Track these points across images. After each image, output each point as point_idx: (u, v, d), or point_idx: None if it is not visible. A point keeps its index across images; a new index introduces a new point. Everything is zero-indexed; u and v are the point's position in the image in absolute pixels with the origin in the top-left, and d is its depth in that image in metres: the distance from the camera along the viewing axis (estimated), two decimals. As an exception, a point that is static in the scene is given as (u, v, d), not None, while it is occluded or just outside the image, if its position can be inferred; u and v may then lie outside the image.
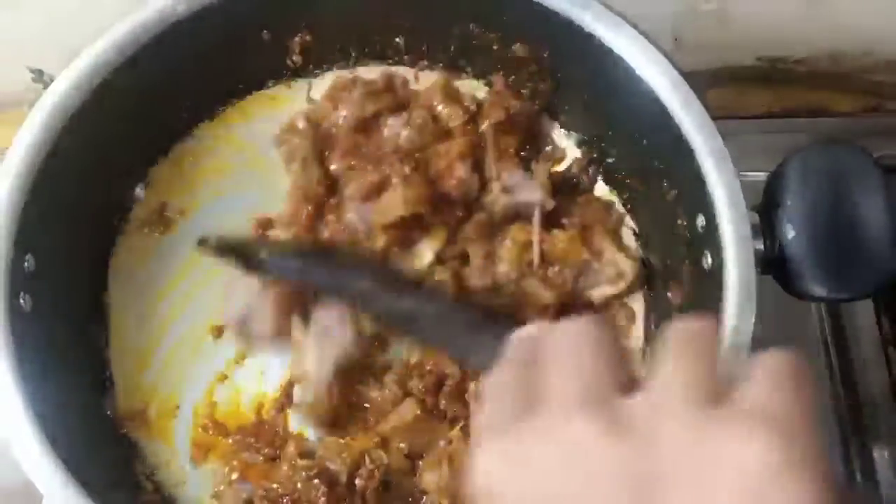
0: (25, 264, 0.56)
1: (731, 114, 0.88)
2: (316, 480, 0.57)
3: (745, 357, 0.31)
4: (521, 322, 0.56)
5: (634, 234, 0.69)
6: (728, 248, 0.54)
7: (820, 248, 0.56)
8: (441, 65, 0.71)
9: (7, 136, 0.57)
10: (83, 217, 0.64)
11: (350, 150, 0.67)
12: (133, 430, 0.64)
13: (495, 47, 0.68)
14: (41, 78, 0.78)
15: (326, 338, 0.61)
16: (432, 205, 0.62)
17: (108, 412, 0.64)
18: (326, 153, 0.67)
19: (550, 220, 0.66)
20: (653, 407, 0.30)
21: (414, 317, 0.56)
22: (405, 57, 0.71)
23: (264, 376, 0.65)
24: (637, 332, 0.67)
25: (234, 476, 0.61)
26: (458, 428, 0.61)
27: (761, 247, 0.56)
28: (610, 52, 0.59)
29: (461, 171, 0.64)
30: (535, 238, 0.64)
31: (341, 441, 0.60)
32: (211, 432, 0.64)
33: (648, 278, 0.68)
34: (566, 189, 0.68)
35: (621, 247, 0.67)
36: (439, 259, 0.64)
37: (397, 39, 0.70)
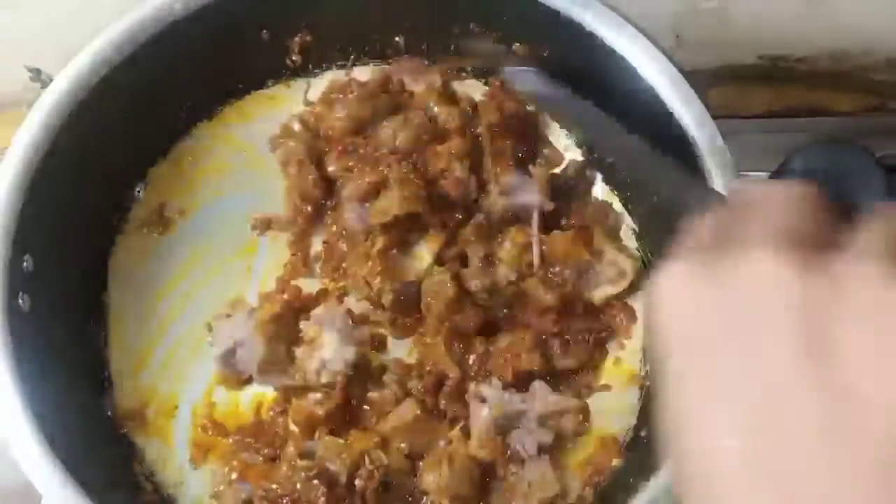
0: (24, 264, 0.56)
1: (732, 113, 0.88)
2: (315, 481, 0.57)
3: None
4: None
5: (634, 233, 0.69)
6: (728, 248, 0.54)
7: (821, 248, 0.55)
8: (441, 64, 0.71)
9: (6, 135, 0.57)
10: (82, 217, 0.64)
11: (347, 152, 0.67)
12: (132, 430, 0.64)
13: (495, 47, 0.68)
14: (39, 77, 0.78)
15: (342, 334, 0.62)
16: (430, 206, 0.62)
17: (108, 412, 0.64)
18: (323, 155, 0.67)
19: (550, 222, 0.66)
20: (846, 261, 0.30)
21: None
22: (405, 56, 0.71)
23: (264, 376, 0.65)
24: (638, 331, 0.67)
25: (234, 476, 0.61)
26: (457, 428, 0.61)
27: (762, 247, 0.56)
28: (611, 51, 0.59)
29: (459, 170, 0.64)
30: (535, 240, 0.64)
31: (341, 441, 0.60)
32: (210, 432, 0.64)
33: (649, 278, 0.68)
34: (565, 190, 0.68)
35: (621, 247, 0.67)
36: (439, 261, 0.64)
37: (397, 39, 0.70)
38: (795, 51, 0.84)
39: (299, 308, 0.64)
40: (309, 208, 0.66)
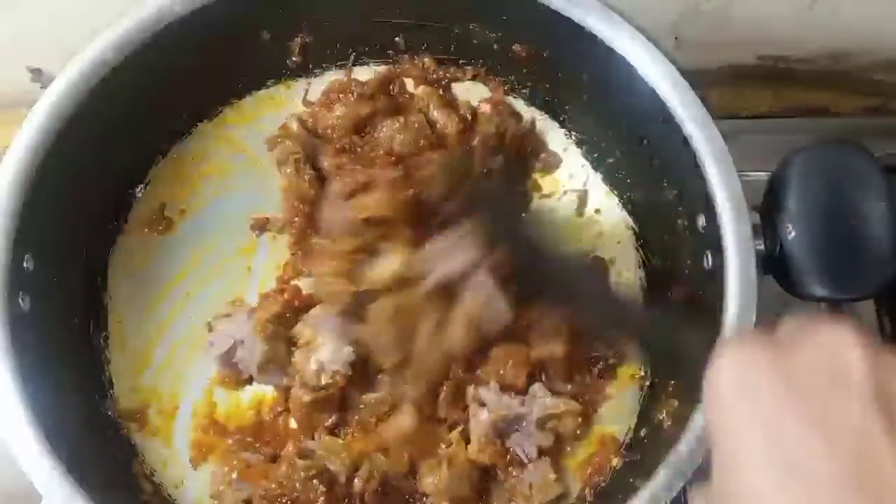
0: (25, 264, 0.56)
1: (732, 114, 0.88)
2: (315, 481, 0.57)
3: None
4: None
5: (634, 233, 0.69)
6: (729, 248, 0.54)
7: (821, 248, 0.56)
8: (441, 64, 0.71)
9: (6, 135, 0.57)
10: (82, 217, 0.64)
11: (343, 150, 0.67)
12: (133, 430, 0.64)
13: (496, 47, 0.68)
14: (40, 77, 0.78)
15: (337, 334, 0.61)
16: (411, 214, 0.62)
17: (108, 412, 0.64)
18: (319, 155, 0.67)
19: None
20: None
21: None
22: (405, 56, 0.71)
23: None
24: (637, 332, 0.67)
25: (234, 476, 0.61)
26: (457, 431, 0.61)
27: (762, 247, 0.56)
28: (611, 51, 0.59)
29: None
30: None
31: (340, 441, 0.60)
32: (210, 433, 0.64)
33: (648, 278, 0.68)
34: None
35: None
36: (406, 278, 0.64)
37: (397, 39, 0.70)
38: (795, 51, 0.84)
39: (299, 308, 0.64)
40: (306, 208, 0.66)
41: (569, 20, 0.60)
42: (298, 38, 0.69)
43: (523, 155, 0.70)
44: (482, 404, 0.61)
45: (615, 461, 0.62)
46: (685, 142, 0.56)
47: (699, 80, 0.57)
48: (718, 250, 0.55)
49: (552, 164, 0.71)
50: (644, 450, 0.60)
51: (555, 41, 0.64)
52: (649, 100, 0.58)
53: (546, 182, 0.71)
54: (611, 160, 0.69)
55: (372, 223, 0.61)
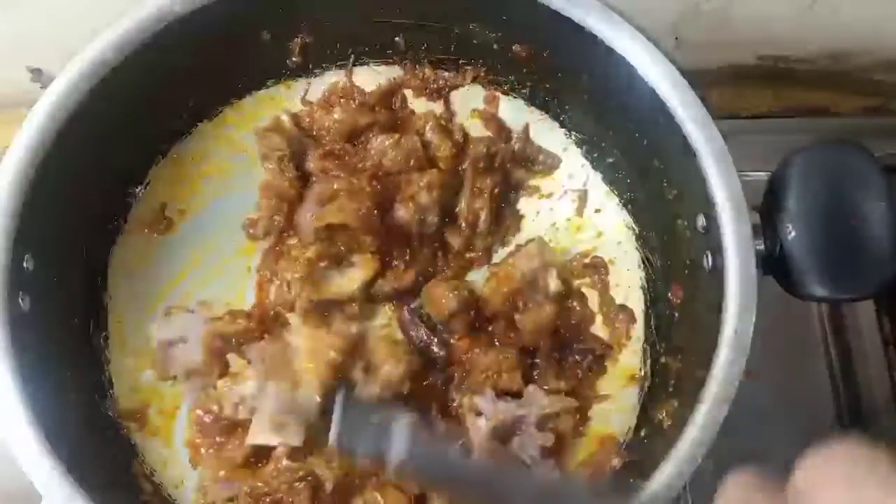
0: (25, 264, 0.56)
1: (732, 113, 0.88)
2: (300, 484, 0.57)
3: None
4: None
5: (634, 233, 0.69)
6: (728, 249, 0.54)
7: (821, 248, 0.56)
8: (441, 66, 0.71)
9: (6, 135, 0.57)
10: (82, 217, 0.64)
11: (331, 154, 0.67)
12: (133, 430, 0.64)
13: (496, 47, 0.68)
14: (40, 77, 0.78)
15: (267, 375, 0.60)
16: (380, 230, 0.62)
17: (108, 412, 0.64)
18: (306, 155, 0.67)
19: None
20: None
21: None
22: (405, 56, 0.71)
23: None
24: (637, 332, 0.67)
25: (221, 473, 0.61)
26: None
27: (762, 247, 0.56)
28: (611, 51, 0.59)
29: (423, 198, 0.64)
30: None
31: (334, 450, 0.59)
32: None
33: (648, 278, 0.68)
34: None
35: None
36: (369, 288, 0.64)
37: (397, 39, 0.70)
38: (795, 51, 0.84)
39: (253, 336, 0.64)
40: (284, 207, 0.66)
41: (569, 20, 0.60)
42: (298, 39, 0.69)
43: (513, 171, 0.71)
44: (478, 413, 0.60)
45: (615, 461, 0.62)
46: (685, 142, 0.56)
47: (699, 80, 0.57)
48: (718, 250, 0.55)
49: (552, 165, 0.71)
50: (644, 450, 0.60)
51: (555, 41, 0.64)
52: (649, 100, 0.58)
53: (546, 182, 0.71)
54: (611, 160, 0.69)
55: (334, 231, 0.61)
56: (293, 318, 0.64)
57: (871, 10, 0.78)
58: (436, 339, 0.64)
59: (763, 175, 0.59)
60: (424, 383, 0.63)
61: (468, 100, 0.72)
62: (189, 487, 0.62)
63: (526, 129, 0.71)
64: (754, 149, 0.67)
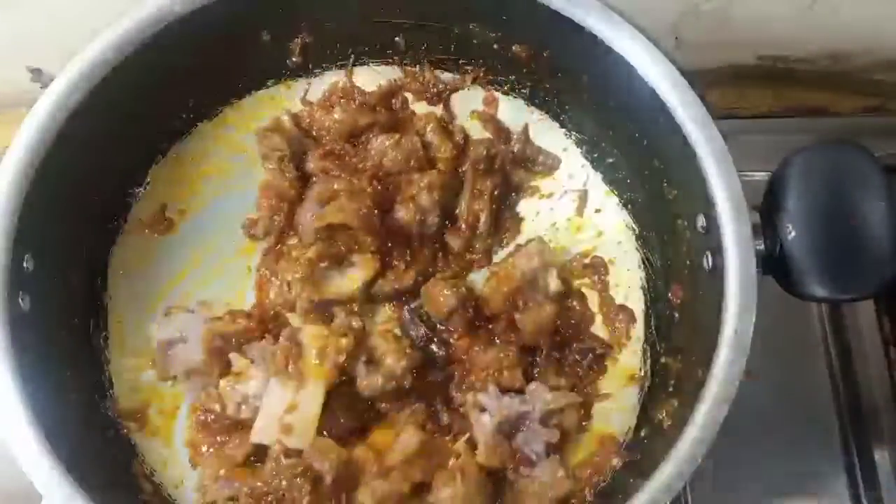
0: (25, 264, 0.56)
1: (732, 114, 0.88)
2: (299, 479, 0.57)
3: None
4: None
5: (634, 233, 0.69)
6: (728, 249, 0.54)
7: (821, 248, 0.56)
8: (441, 67, 0.72)
9: (6, 135, 0.57)
10: (83, 217, 0.64)
11: (331, 154, 0.67)
12: (133, 430, 0.64)
13: (496, 47, 0.68)
14: (40, 77, 0.78)
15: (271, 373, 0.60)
16: (381, 231, 0.62)
17: (108, 412, 0.64)
18: (306, 155, 0.67)
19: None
20: None
21: None
22: (405, 56, 0.71)
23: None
24: (637, 332, 0.67)
25: (221, 472, 0.61)
26: (463, 440, 0.60)
27: (762, 247, 0.56)
28: (611, 51, 0.59)
29: (424, 199, 0.64)
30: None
31: (329, 441, 0.59)
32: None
33: (648, 278, 0.68)
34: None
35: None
36: (369, 288, 0.64)
37: (397, 39, 0.70)
38: (795, 51, 0.84)
39: (263, 331, 0.64)
40: (284, 207, 0.66)
41: (569, 20, 0.60)
42: (298, 39, 0.69)
43: (513, 173, 0.71)
44: (482, 409, 0.61)
45: (615, 461, 0.62)
46: (685, 142, 0.56)
47: (699, 80, 0.57)
48: (718, 250, 0.55)
49: (552, 165, 0.71)
50: (644, 450, 0.60)
51: (555, 41, 0.64)
52: (649, 100, 0.58)
53: (546, 182, 0.71)
54: (611, 160, 0.69)
55: (335, 231, 0.61)
56: (293, 318, 0.64)
57: (871, 10, 0.78)
58: (436, 339, 0.64)
59: (763, 175, 0.59)
60: (426, 381, 0.63)
61: (467, 101, 0.72)
62: (189, 487, 0.62)
63: (526, 129, 0.71)
64: (754, 149, 0.67)
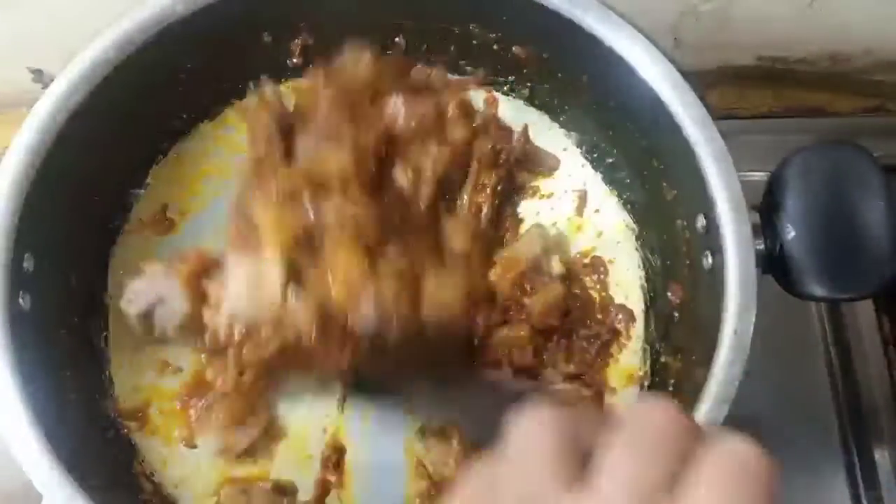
0: (25, 264, 0.56)
1: (732, 114, 0.88)
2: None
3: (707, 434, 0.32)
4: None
5: (634, 233, 0.69)
6: (728, 248, 0.54)
7: (820, 248, 0.56)
8: (442, 66, 0.71)
9: (6, 135, 0.57)
10: (83, 217, 0.64)
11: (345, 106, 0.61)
12: (133, 429, 0.64)
13: (495, 48, 0.68)
14: (41, 78, 0.78)
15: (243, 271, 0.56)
16: (379, 187, 0.59)
17: (109, 412, 0.64)
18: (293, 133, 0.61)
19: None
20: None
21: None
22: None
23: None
24: (637, 332, 0.67)
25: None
26: None
27: (762, 247, 0.56)
28: (610, 52, 0.59)
29: (425, 167, 0.61)
30: None
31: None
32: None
33: (648, 278, 0.68)
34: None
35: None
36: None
37: (397, 40, 0.70)
38: (794, 52, 0.84)
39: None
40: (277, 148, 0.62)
41: (569, 21, 0.60)
42: (299, 40, 0.69)
43: (517, 173, 0.70)
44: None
45: (615, 461, 0.61)
46: (685, 142, 0.56)
47: (699, 80, 0.58)
48: (718, 250, 0.55)
49: (552, 165, 0.71)
50: (644, 450, 0.60)
51: (555, 41, 0.64)
52: (649, 100, 0.58)
53: (546, 182, 0.71)
54: (611, 160, 0.69)
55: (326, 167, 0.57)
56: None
57: (871, 10, 0.78)
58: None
59: (763, 175, 0.59)
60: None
61: (473, 97, 0.72)
62: (189, 487, 0.62)
63: (526, 129, 0.71)
64: (754, 149, 0.68)
